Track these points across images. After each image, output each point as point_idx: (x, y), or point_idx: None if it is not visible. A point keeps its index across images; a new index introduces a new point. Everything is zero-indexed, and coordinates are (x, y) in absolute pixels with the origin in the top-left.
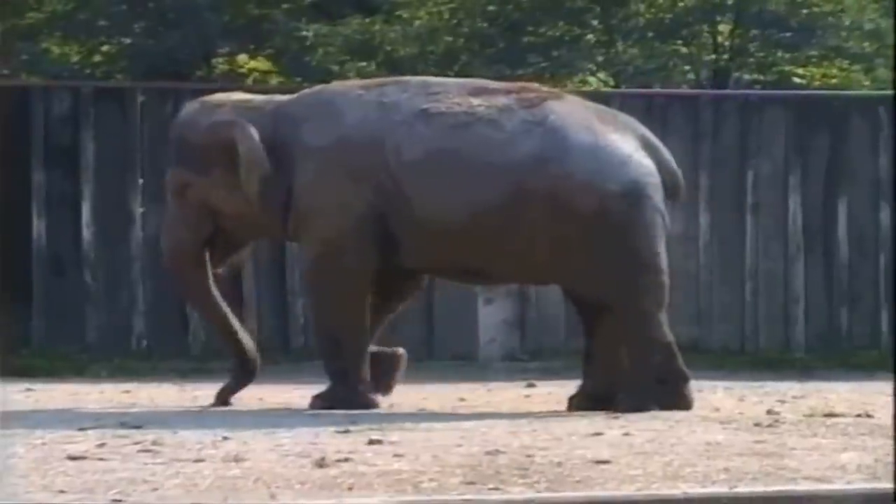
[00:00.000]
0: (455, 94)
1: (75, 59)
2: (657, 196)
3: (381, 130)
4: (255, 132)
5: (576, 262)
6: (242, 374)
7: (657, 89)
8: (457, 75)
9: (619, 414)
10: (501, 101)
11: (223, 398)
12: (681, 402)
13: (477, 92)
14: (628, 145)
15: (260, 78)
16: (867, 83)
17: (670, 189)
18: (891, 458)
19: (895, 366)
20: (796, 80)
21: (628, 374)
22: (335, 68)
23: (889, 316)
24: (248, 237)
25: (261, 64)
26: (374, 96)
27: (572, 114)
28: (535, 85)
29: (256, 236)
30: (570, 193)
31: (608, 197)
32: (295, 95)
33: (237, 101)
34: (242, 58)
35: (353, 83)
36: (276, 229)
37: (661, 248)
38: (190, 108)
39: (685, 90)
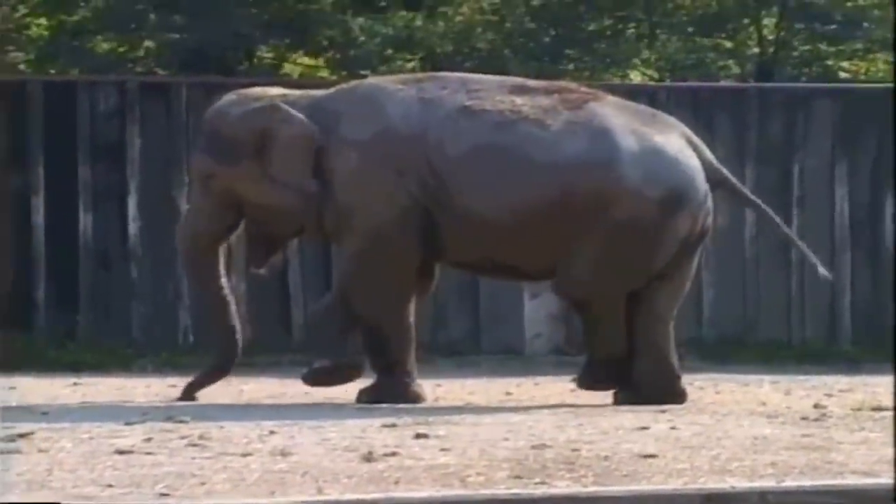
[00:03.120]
0: (496, 91)
1: (119, 52)
2: (695, 200)
3: (424, 124)
4: (300, 115)
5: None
6: (218, 369)
7: (703, 83)
8: (497, 72)
9: (665, 408)
10: (545, 101)
11: (191, 392)
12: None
13: (518, 90)
14: (673, 147)
15: (305, 72)
16: None
17: (714, 185)
18: None
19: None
20: (842, 73)
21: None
22: (377, 64)
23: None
24: (281, 233)
25: (305, 59)
26: (413, 91)
27: (616, 116)
28: (574, 85)
29: (289, 232)
30: (616, 198)
31: (648, 203)
32: (331, 90)
33: (274, 96)
34: (286, 53)
35: (389, 78)
36: (310, 224)
37: (667, 254)
38: (226, 99)
39: (731, 83)
